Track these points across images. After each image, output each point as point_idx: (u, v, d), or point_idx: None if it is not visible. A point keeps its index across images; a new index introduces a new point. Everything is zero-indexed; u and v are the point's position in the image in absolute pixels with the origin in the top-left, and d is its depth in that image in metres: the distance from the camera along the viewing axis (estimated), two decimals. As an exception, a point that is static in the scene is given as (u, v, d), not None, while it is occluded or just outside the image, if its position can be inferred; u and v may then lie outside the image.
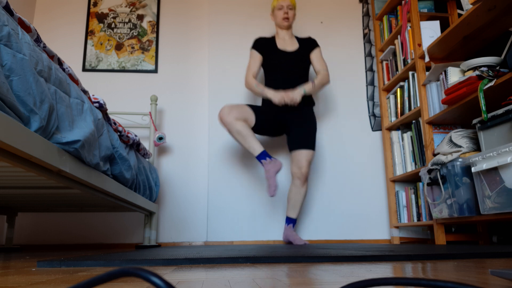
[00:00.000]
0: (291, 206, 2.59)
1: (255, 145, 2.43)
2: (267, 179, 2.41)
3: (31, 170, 1.16)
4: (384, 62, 3.08)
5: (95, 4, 3.33)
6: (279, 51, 2.72)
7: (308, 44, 2.75)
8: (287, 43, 2.75)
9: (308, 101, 2.69)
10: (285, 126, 2.66)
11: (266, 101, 2.66)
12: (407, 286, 0.42)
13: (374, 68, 3.25)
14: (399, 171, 2.82)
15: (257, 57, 2.71)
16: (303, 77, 2.70)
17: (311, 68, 3.14)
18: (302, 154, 2.56)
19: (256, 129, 2.58)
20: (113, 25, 3.30)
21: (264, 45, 2.73)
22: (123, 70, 3.21)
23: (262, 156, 2.42)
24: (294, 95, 2.48)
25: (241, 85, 3.16)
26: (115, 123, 1.85)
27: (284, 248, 1.78)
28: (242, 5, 3.32)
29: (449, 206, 2.10)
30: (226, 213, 2.93)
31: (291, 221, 2.61)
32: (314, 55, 2.75)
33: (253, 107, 2.57)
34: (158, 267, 0.99)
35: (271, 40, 2.75)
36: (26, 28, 1.17)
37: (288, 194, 2.61)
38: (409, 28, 2.68)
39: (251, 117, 2.52)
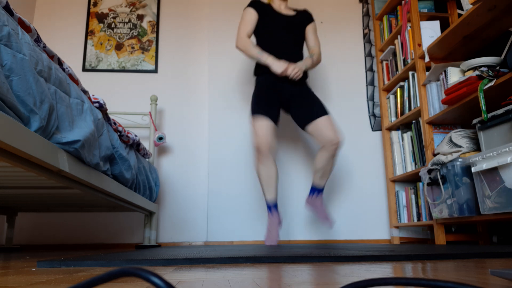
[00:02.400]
0: (323, 173, 2.34)
1: (272, 192, 2.29)
2: (269, 230, 2.29)
3: (31, 170, 1.16)
4: (384, 62, 3.08)
5: (95, 4, 3.33)
6: (276, 14, 2.50)
7: (305, 15, 2.58)
8: (282, 10, 2.56)
9: (303, 74, 2.49)
10: (286, 102, 2.43)
11: (260, 79, 2.44)
12: (407, 286, 0.42)
13: (374, 68, 3.25)
14: (399, 171, 2.82)
15: (253, 15, 2.46)
16: (299, 48, 2.50)
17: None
18: (324, 123, 2.31)
19: (276, 121, 2.37)
20: (113, 25, 3.30)
21: (260, 6, 2.51)
22: (123, 70, 3.21)
23: (273, 208, 2.31)
24: (300, 68, 2.29)
25: (242, 84, 3.16)
26: (115, 123, 1.85)
27: (284, 248, 1.78)
28: (242, 5, 3.32)
29: (449, 206, 2.10)
30: (226, 213, 2.93)
31: (320, 191, 2.38)
32: (310, 29, 2.59)
33: (261, 109, 2.31)
34: (158, 267, 0.99)
35: (267, 4, 2.55)
36: (26, 28, 1.17)
37: (318, 161, 2.33)
38: (409, 28, 2.68)
39: (272, 125, 2.31)
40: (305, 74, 2.51)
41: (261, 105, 2.35)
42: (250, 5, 2.52)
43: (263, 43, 2.48)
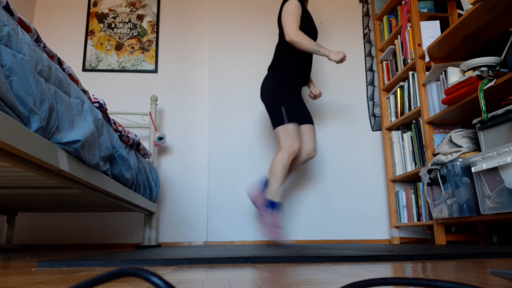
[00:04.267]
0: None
1: (276, 191, 2.32)
2: (276, 226, 2.26)
3: (31, 170, 1.16)
4: (384, 62, 3.08)
5: (95, 4, 3.33)
6: (312, 20, 2.55)
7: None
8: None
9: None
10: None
11: (292, 81, 2.45)
12: (407, 286, 0.42)
13: (374, 68, 3.25)
14: (399, 171, 2.82)
15: (300, 10, 2.45)
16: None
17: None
18: (311, 131, 2.51)
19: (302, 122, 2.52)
20: (113, 25, 3.30)
21: (303, 5, 2.50)
22: (123, 70, 3.21)
23: (273, 206, 2.29)
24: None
25: (241, 85, 3.16)
26: (115, 123, 1.85)
27: (284, 248, 1.78)
28: (242, 5, 3.32)
29: (449, 206, 2.10)
30: (226, 213, 2.93)
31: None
32: None
33: (297, 117, 2.38)
34: (158, 267, 0.99)
35: (304, 6, 2.54)
36: (26, 28, 1.17)
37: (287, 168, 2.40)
38: (409, 28, 2.68)
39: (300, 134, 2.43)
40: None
41: (296, 112, 2.40)
42: None
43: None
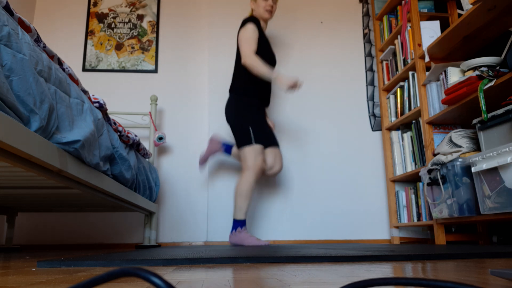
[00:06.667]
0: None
1: (245, 210, 2.37)
2: (252, 239, 2.32)
3: (31, 170, 1.16)
4: (384, 62, 3.08)
5: (95, 4, 3.33)
6: (267, 41, 2.57)
7: None
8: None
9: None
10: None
11: (254, 102, 2.50)
12: (407, 286, 0.42)
13: (374, 68, 3.25)
14: (399, 171, 2.82)
15: (257, 34, 2.48)
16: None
17: None
18: (278, 153, 2.52)
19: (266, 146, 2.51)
20: (113, 25, 3.30)
21: (259, 25, 2.53)
22: (123, 70, 3.21)
23: (242, 224, 2.36)
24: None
25: (241, 85, 3.16)
26: (115, 123, 1.85)
27: (284, 248, 1.78)
28: (241, 6, 3.32)
29: (449, 206, 2.10)
30: (226, 213, 2.93)
31: (228, 150, 2.67)
32: None
33: (262, 139, 2.44)
34: (158, 267, 0.99)
35: (262, 30, 2.57)
36: (26, 28, 1.17)
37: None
38: (409, 28, 2.68)
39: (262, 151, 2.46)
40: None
41: (263, 134, 2.46)
42: (255, 22, 2.50)
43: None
